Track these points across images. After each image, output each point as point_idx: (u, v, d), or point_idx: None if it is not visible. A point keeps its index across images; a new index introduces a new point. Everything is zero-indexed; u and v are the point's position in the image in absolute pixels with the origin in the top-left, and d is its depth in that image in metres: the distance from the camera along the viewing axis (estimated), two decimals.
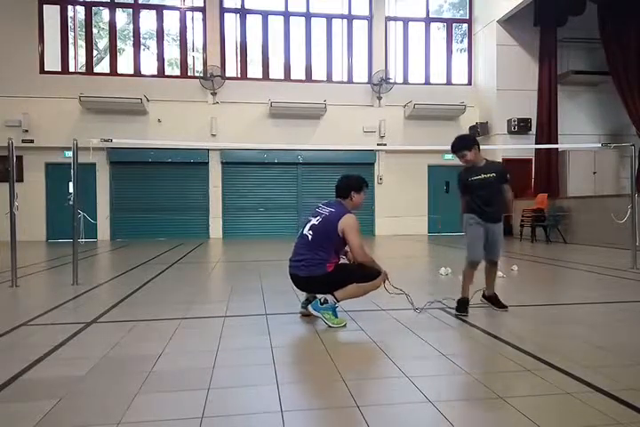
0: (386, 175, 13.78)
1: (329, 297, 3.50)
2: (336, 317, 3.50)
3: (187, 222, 13.20)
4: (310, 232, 3.59)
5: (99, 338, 3.27)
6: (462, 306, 3.85)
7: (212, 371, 2.57)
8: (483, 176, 3.80)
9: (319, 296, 3.58)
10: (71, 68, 12.93)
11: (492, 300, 4.06)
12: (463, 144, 3.87)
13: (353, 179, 3.74)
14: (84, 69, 13.06)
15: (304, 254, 3.57)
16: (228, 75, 13.24)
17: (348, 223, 3.53)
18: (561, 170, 12.51)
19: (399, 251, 9.71)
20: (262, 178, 13.58)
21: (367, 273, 3.57)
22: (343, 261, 3.77)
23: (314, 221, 3.64)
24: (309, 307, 3.54)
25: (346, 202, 3.71)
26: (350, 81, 13.91)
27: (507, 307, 3.97)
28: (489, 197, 3.80)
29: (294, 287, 3.86)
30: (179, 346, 3.05)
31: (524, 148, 12.16)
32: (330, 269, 3.51)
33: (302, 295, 3.94)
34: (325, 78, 13.84)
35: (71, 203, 5.79)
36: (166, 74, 13.36)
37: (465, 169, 3.91)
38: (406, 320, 3.66)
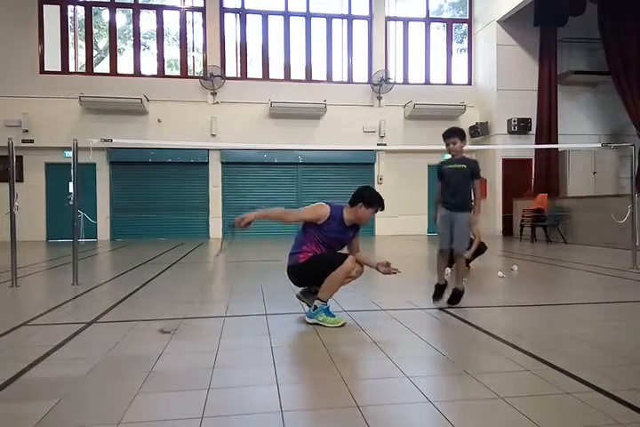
0: (386, 175, 13.78)
1: (317, 302, 3.52)
2: (331, 316, 3.50)
3: (187, 222, 13.20)
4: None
5: (99, 338, 3.27)
6: (435, 292, 4.17)
7: (212, 371, 2.57)
8: (455, 166, 4.07)
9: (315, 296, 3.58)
10: (71, 68, 12.93)
11: (452, 292, 4.12)
12: (458, 133, 4.10)
13: (371, 193, 3.57)
14: (84, 69, 13.06)
15: (292, 245, 3.68)
16: (228, 75, 13.24)
17: (311, 206, 3.59)
18: (561, 170, 12.50)
19: (399, 251, 9.71)
20: (262, 178, 13.57)
21: (333, 260, 3.47)
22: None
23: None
24: (306, 318, 3.58)
25: (350, 210, 3.55)
26: (350, 81, 13.91)
27: (454, 302, 4.07)
28: (456, 186, 4.04)
29: (294, 288, 3.86)
30: (179, 346, 3.05)
31: (524, 148, 12.16)
32: (302, 261, 3.53)
33: None
34: (325, 78, 13.84)
35: (71, 203, 5.79)
36: (166, 74, 13.36)
37: (445, 161, 4.20)
38: (406, 320, 3.66)
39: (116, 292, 5.09)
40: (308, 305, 3.65)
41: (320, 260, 3.51)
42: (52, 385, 2.39)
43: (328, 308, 3.53)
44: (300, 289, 3.80)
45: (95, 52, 13.61)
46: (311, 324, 3.53)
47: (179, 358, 2.82)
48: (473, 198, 4.14)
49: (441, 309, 4.06)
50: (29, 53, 12.45)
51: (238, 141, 12.41)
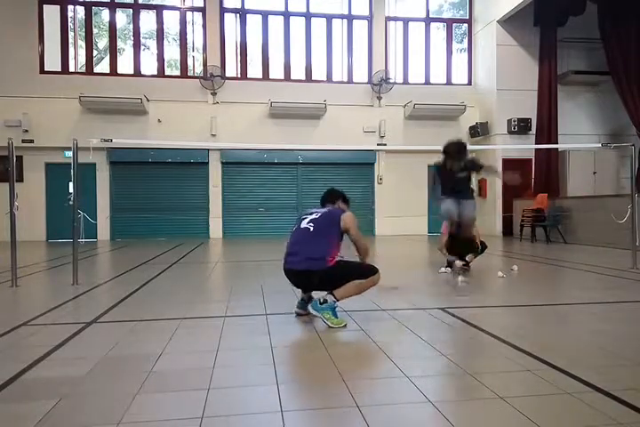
0: (386, 175, 13.78)
1: (328, 297, 3.49)
2: (336, 317, 3.49)
3: (187, 222, 13.20)
4: (311, 224, 3.62)
5: (99, 338, 3.27)
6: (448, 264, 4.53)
7: (212, 371, 2.57)
8: (462, 175, 4.39)
9: (316, 297, 3.58)
10: (71, 68, 12.93)
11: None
12: (466, 151, 4.23)
13: (339, 191, 4.07)
14: (84, 69, 13.06)
15: (305, 246, 3.57)
16: (228, 75, 13.24)
17: (350, 218, 3.66)
18: (561, 170, 12.50)
19: (399, 251, 9.71)
20: (262, 178, 13.58)
21: (366, 270, 3.58)
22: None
23: (313, 216, 3.69)
24: (309, 307, 3.53)
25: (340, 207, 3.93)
26: (350, 81, 13.90)
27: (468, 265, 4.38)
28: (461, 186, 4.43)
29: (294, 288, 3.86)
30: (179, 346, 3.05)
31: (524, 148, 12.16)
32: (330, 264, 3.51)
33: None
34: (325, 78, 13.83)
35: (71, 203, 5.79)
36: (166, 74, 13.36)
37: (444, 166, 4.47)
38: (406, 320, 3.66)
39: (116, 292, 5.09)
40: (309, 298, 3.72)
41: (351, 265, 3.62)
42: (52, 385, 2.39)
43: (336, 307, 3.53)
44: (297, 304, 3.83)
45: (95, 52, 13.60)
46: (313, 317, 3.53)
47: (179, 358, 2.82)
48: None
49: (441, 309, 4.06)
50: (29, 53, 12.45)
51: (238, 141, 12.41)
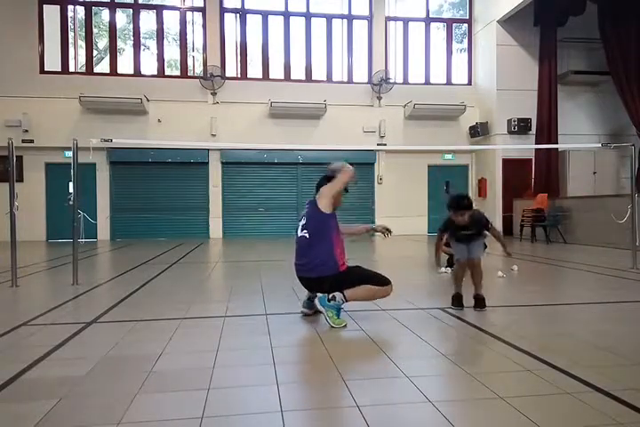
0: (386, 175, 13.78)
1: (337, 294, 3.51)
2: (338, 317, 3.50)
3: (187, 222, 13.20)
4: (305, 231, 3.64)
5: (99, 338, 3.27)
6: (456, 301, 4.08)
7: (212, 371, 2.57)
8: (466, 232, 4.07)
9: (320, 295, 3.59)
10: (71, 68, 12.93)
11: (475, 299, 4.10)
12: (467, 206, 3.97)
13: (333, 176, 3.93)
14: (84, 69, 13.06)
15: (308, 255, 3.59)
16: (228, 75, 13.24)
17: (324, 196, 3.65)
18: (561, 170, 12.50)
19: (399, 251, 9.70)
20: (262, 178, 13.58)
21: (379, 277, 3.63)
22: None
23: (302, 222, 3.72)
24: (316, 300, 3.57)
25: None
26: (350, 81, 13.91)
27: (482, 307, 4.03)
28: (470, 240, 4.13)
29: (295, 287, 3.86)
30: (179, 346, 3.05)
31: (524, 148, 12.16)
32: (342, 269, 3.56)
33: (302, 296, 3.94)
34: (325, 78, 13.84)
35: (71, 203, 5.79)
36: (166, 74, 13.36)
37: (452, 222, 4.07)
38: (406, 320, 3.66)
39: (116, 292, 5.09)
40: (315, 297, 3.71)
41: (363, 272, 3.66)
42: (52, 385, 2.39)
43: (341, 309, 3.55)
44: (303, 304, 3.86)
45: (95, 52, 13.60)
46: (318, 313, 3.57)
47: (179, 358, 2.82)
48: (497, 240, 4.34)
49: (441, 309, 4.06)
50: (29, 53, 12.45)
51: (238, 141, 12.41)
